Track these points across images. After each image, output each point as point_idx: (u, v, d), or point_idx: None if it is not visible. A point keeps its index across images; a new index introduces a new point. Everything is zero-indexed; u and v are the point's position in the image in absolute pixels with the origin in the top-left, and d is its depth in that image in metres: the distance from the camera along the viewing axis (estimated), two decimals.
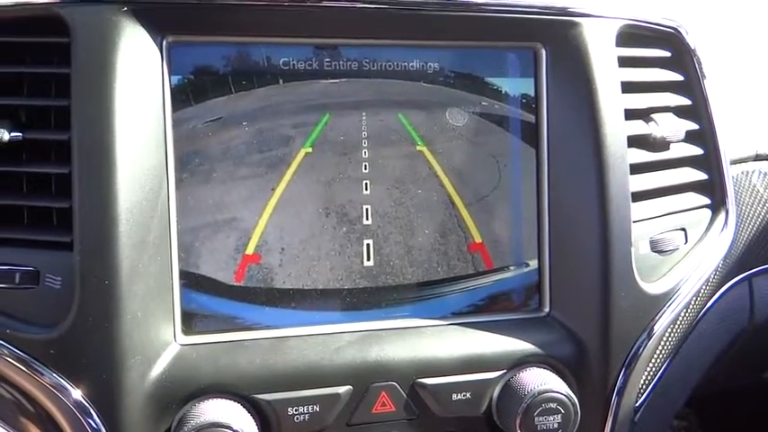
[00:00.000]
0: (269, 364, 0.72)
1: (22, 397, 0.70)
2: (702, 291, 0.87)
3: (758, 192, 0.99)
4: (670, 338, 0.85)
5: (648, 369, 0.83)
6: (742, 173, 0.97)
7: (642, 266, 0.80)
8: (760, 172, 0.99)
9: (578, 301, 0.79)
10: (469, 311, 0.79)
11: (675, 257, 0.84)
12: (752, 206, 0.98)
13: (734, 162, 0.95)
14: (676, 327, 0.85)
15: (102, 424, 0.68)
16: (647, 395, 0.83)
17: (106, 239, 0.66)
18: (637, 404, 0.82)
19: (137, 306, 0.68)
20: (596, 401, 0.78)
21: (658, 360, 0.84)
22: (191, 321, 0.73)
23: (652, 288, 0.80)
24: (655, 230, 0.82)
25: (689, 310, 0.86)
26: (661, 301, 0.81)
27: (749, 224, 0.97)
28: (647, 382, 0.83)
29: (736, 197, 0.91)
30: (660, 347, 0.84)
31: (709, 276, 0.87)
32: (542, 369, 0.76)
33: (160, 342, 0.70)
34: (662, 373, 0.84)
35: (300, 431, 0.71)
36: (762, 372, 1.21)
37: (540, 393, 0.73)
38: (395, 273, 0.77)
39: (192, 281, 0.73)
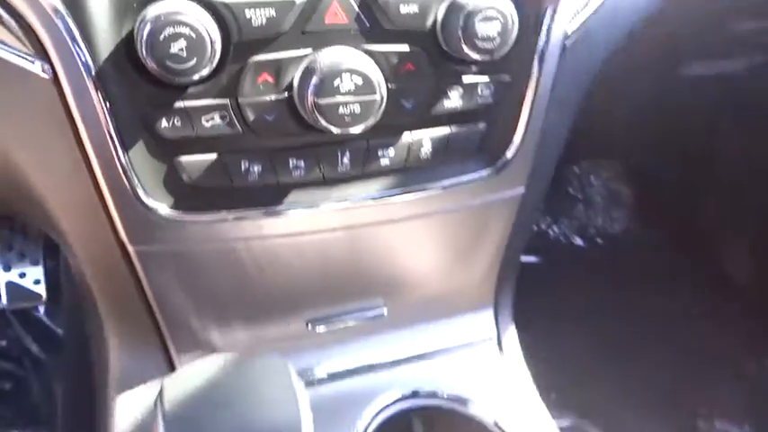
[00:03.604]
0: None
1: None
2: None
3: None
4: None
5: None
6: None
7: None
8: None
9: None
10: None
11: None
12: None
13: None
14: None
15: (73, 21, 0.71)
16: (577, 29, 0.91)
17: None
18: (568, 34, 0.90)
19: None
20: (529, 21, 0.86)
21: None
22: None
23: None
24: None
25: None
26: None
27: None
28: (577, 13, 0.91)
29: None
30: None
31: None
32: None
33: None
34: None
35: (259, 35, 0.76)
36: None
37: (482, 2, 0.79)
38: None
39: None
